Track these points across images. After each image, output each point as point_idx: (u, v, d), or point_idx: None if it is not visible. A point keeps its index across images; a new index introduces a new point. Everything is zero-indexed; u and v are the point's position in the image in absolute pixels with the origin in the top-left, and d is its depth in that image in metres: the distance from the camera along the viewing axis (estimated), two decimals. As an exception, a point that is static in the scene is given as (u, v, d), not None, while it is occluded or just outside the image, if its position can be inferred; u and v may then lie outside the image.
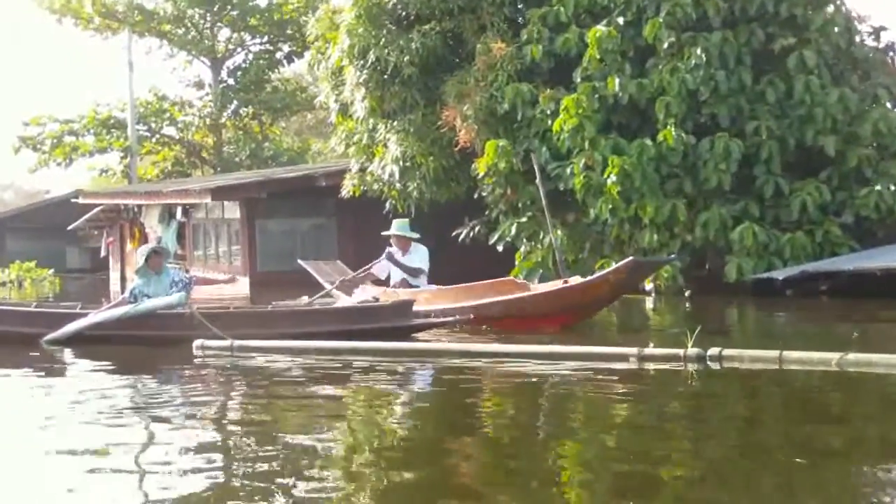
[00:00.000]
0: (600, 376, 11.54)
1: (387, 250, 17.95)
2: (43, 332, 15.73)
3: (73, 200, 41.61)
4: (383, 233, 18.52)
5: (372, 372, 12.73)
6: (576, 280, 16.99)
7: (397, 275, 17.87)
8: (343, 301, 17.43)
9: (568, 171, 22.40)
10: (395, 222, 18.14)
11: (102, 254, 42.18)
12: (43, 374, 13.74)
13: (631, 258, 16.63)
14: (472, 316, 15.67)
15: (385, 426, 9.48)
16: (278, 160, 50.17)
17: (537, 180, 19.81)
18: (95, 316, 15.64)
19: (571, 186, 22.34)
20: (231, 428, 9.58)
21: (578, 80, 22.84)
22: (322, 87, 28.68)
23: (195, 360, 13.86)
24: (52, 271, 38.14)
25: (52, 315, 16.39)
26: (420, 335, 15.42)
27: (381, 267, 18.05)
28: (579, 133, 22.14)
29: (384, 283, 18.22)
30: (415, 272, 17.74)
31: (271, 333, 14.65)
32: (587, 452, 8.17)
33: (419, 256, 17.90)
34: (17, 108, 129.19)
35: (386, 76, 24.78)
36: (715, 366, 11.47)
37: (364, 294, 17.43)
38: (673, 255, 20.53)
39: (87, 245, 47.82)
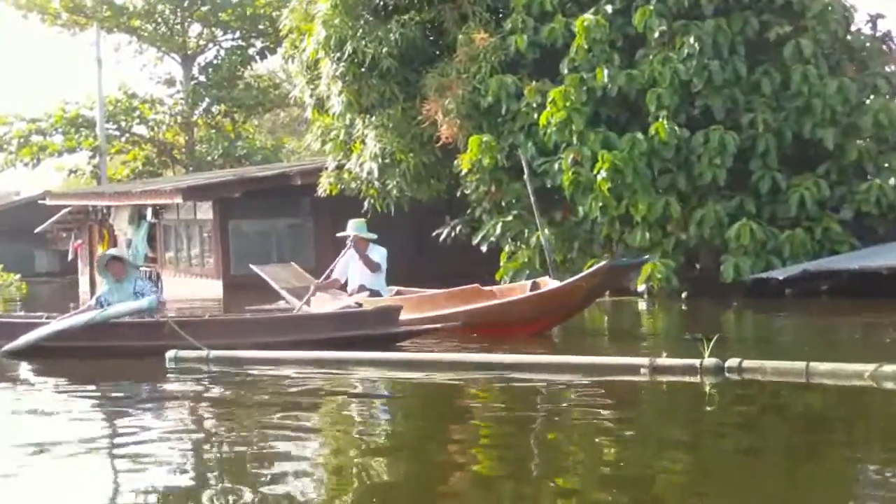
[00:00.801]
0: (602, 390, 10.61)
1: (348, 244, 16.85)
2: (1, 343, 14.65)
3: (40, 202, 40.48)
4: (339, 234, 17.58)
5: (355, 384, 11.92)
6: (546, 284, 16.15)
7: (355, 279, 16.82)
8: (324, 306, 16.31)
9: (555, 166, 21.50)
10: (352, 223, 17.06)
11: (70, 257, 41.07)
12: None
13: (606, 262, 15.86)
14: (460, 323, 14.61)
15: (365, 446, 8.74)
16: (252, 159, 48.96)
17: (525, 177, 18.89)
18: (57, 324, 14.55)
19: (559, 183, 21.49)
20: (206, 449, 8.92)
21: (565, 71, 21.95)
22: (297, 82, 27.55)
23: (168, 374, 12.94)
24: (18, 276, 36.95)
25: (11, 325, 15.29)
26: (403, 344, 14.39)
27: (341, 267, 16.97)
28: (567, 127, 21.24)
29: (341, 288, 17.12)
30: (373, 265, 16.66)
31: (249, 343, 13.64)
32: (591, 487, 7.20)
33: (378, 254, 16.89)
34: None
35: (363, 69, 23.75)
36: (734, 377, 10.48)
37: (333, 300, 16.44)
38: (647, 256, 19.60)
39: (55, 248, 46.71)
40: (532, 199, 18.47)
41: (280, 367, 12.71)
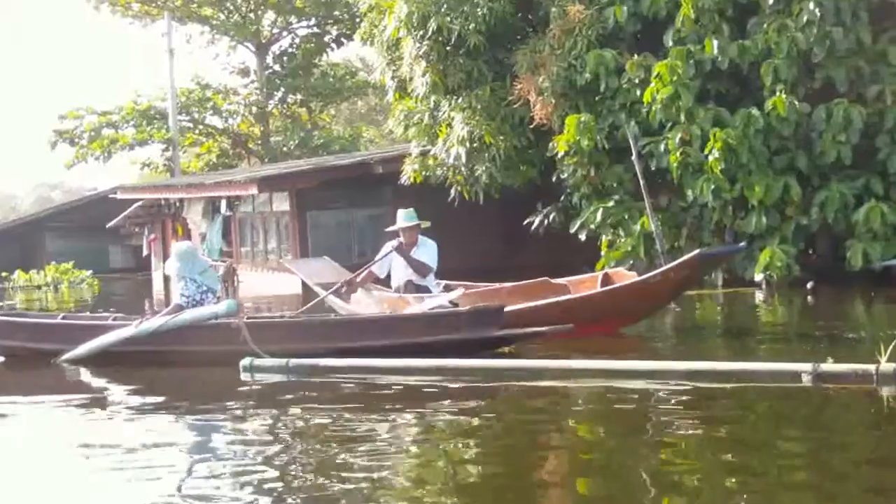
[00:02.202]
0: (751, 399, 9.03)
1: (394, 242, 14.82)
2: (63, 349, 13.24)
3: (111, 196, 39.33)
4: (388, 229, 15.69)
5: (451, 396, 10.41)
6: (622, 276, 14.55)
7: (400, 274, 14.86)
8: (368, 304, 14.53)
9: (661, 147, 19.89)
10: (401, 213, 14.95)
11: (145, 252, 39.94)
12: (52, 404, 11.31)
13: (697, 252, 14.11)
14: (572, 326, 12.74)
15: (460, 467, 7.69)
16: (329, 149, 47.47)
17: (632, 157, 17.23)
18: (124, 331, 13.04)
19: (665, 165, 19.80)
20: (284, 469, 7.80)
21: (670, 43, 20.36)
22: (376, 64, 25.94)
23: (243, 383, 11.55)
24: (90, 272, 35.85)
25: (76, 328, 13.80)
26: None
27: (381, 264, 15.03)
28: (674, 104, 19.63)
29: (383, 283, 15.37)
30: (424, 269, 14.73)
31: (331, 348, 12.04)
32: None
33: (427, 252, 14.83)
34: (53, 101, 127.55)
35: (449, 47, 22.41)
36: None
37: (372, 299, 14.81)
38: (743, 244, 17.81)
39: (129, 243, 45.61)
40: (641, 181, 16.81)
41: (365, 376, 11.19)
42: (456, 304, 13.36)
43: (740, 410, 8.95)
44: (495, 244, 28.45)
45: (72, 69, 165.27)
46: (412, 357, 11.35)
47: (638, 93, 20.27)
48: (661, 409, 9.20)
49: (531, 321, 12.61)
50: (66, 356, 13.16)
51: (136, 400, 11.32)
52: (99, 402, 11.39)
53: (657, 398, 9.49)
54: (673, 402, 9.39)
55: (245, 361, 11.79)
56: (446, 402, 10.05)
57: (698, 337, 14.50)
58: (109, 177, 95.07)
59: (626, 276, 14.57)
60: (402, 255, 14.64)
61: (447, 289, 15.20)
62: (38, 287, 34.43)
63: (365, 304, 14.88)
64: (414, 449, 8.27)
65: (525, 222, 23.69)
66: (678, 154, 19.44)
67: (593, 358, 11.15)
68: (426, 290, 14.77)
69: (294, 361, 11.60)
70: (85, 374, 12.71)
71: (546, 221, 23.26)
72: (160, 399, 11.20)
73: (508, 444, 8.38)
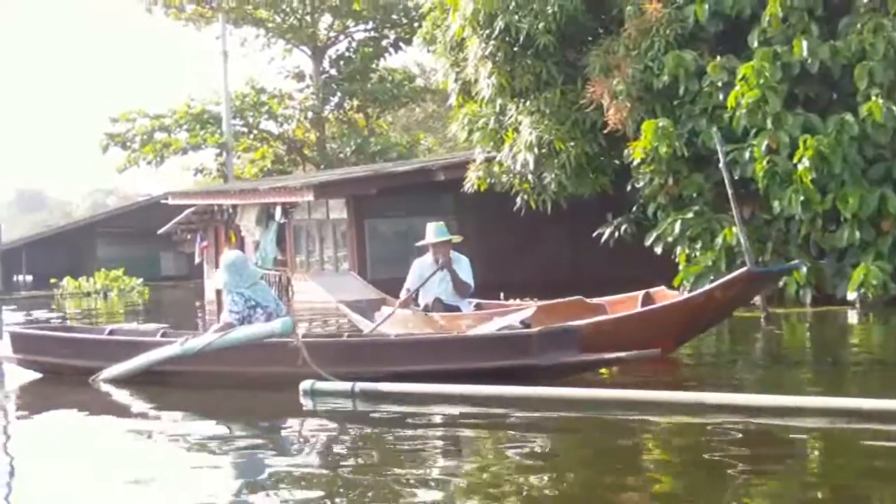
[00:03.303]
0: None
1: (438, 259, 13.85)
2: (104, 367, 12.14)
3: (163, 202, 38.46)
4: (418, 244, 14.67)
5: (532, 428, 9.16)
6: (664, 296, 13.37)
7: (429, 291, 13.97)
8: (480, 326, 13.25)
9: (745, 155, 18.54)
10: (431, 226, 14.09)
11: (197, 260, 39.05)
12: (87, 427, 10.25)
13: (746, 268, 12.54)
14: (659, 351, 11.48)
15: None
16: (386, 156, 46.44)
17: (719, 165, 15.86)
18: (168, 349, 11.88)
19: (750, 174, 18.49)
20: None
21: (755, 44, 19.09)
22: (438, 66, 24.76)
23: (303, 409, 10.38)
24: (140, 280, 34.97)
25: (118, 345, 12.70)
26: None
27: (414, 279, 14.04)
28: (760, 109, 18.36)
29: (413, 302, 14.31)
30: (466, 289, 13.89)
31: (394, 371, 10.76)
32: None
33: (463, 270, 13.93)
34: (107, 104, 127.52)
35: (517, 47, 21.20)
36: None
37: (396, 318, 13.76)
38: (797, 262, 16.81)
39: (181, 250, 44.83)
40: (729, 190, 15.44)
41: (435, 404, 9.99)
42: (528, 325, 11.96)
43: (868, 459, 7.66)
44: (561, 257, 27.34)
45: (125, 73, 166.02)
46: (477, 383, 10.08)
47: (721, 97, 19.00)
48: (769, 454, 7.93)
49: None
50: (103, 375, 12.06)
51: (181, 427, 10.12)
52: (139, 427, 10.20)
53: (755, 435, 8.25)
54: (783, 442, 8.13)
55: (306, 385, 10.57)
56: (529, 435, 8.84)
57: (794, 363, 13.14)
58: (163, 183, 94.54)
59: (668, 296, 13.40)
60: (450, 271, 13.76)
61: (479, 307, 14.25)
62: (88, 294, 33.53)
63: (388, 323, 13.81)
64: (488, 487, 7.08)
65: (594, 234, 22.38)
66: (764, 163, 18.16)
67: (682, 389, 9.93)
68: (456, 308, 13.82)
69: (361, 386, 10.37)
70: (123, 395, 11.56)
71: (617, 233, 21.97)
72: (209, 426, 10.06)
73: (589, 481, 7.28)
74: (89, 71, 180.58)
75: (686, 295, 13.01)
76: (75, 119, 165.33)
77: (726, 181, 15.70)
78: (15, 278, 50.59)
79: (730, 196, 15.73)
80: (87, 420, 10.61)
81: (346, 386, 10.41)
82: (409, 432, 9.13)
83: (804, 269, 17.79)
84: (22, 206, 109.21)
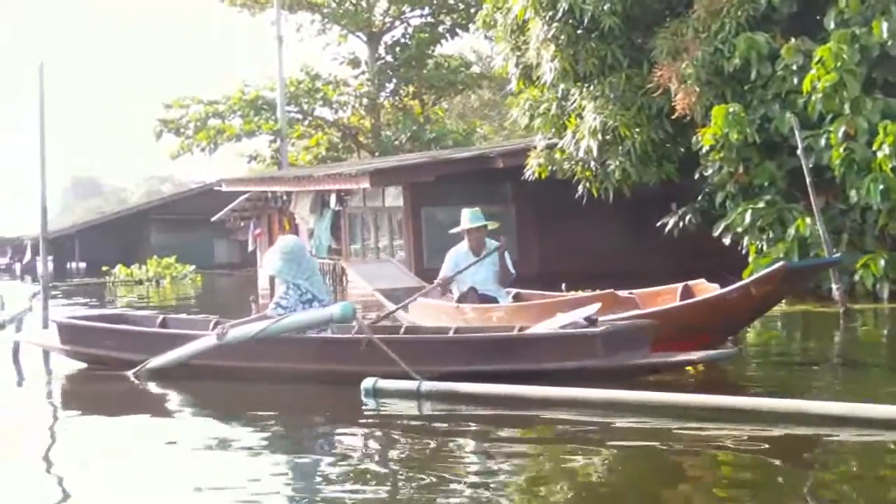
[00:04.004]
0: None
1: (495, 243, 13.49)
2: (148, 360, 11.55)
3: (216, 188, 37.98)
4: (452, 230, 14.20)
5: (614, 435, 8.31)
6: (703, 289, 12.57)
7: (464, 280, 13.48)
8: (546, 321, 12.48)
9: (821, 142, 17.67)
10: (467, 212, 13.70)
11: (250, 248, 38.57)
12: (134, 429, 9.56)
13: (782, 263, 11.95)
14: (740, 349, 10.75)
15: None
16: (442, 143, 45.75)
17: (798, 151, 15.20)
18: (206, 340, 11.23)
19: (825, 162, 17.62)
20: None
21: (832, 26, 18.22)
22: (498, 50, 24.03)
23: (363, 411, 9.64)
24: (193, 268, 34.48)
25: (164, 337, 12.11)
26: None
27: (449, 268, 13.52)
28: (837, 93, 17.43)
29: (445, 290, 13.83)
30: (508, 277, 13.49)
31: (464, 370, 10.05)
32: None
33: (509, 262, 13.44)
34: (162, 91, 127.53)
35: (581, 30, 20.58)
36: None
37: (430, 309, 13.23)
38: (837, 255, 15.94)
39: (234, 238, 44.39)
40: (808, 178, 14.78)
41: (507, 407, 9.26)
42: (594, 321, 10.91)
43: None
44: (622, 246, 26.51)
45: (180, 59, 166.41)
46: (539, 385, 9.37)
47: (794, 81, 18.17)
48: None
49: None
50: (138, 368, 11.49)
51: (228, 428, 9.47)
52: (184, 426, 9.60)
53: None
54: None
55: (367, 383, 9.86)
56: (612, 443, 8.10)
57: (880, 365, 12.35)
58: (218, 171, 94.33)
59: (707, 289, 12.59)
60: (500, 256, 13.30)
61: (518, 298, 13.64)
62: (140, 282, 33.04)
63: (421, 315, 13.31)
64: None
65: (657, 224, 21.59)
66: (841, 150, 17.30)
67: (753, 394, 9.24)
68: (491, 299, 13.25)
69: (428, 385, 9.66)
70: (168, 392, 10.94)
71: (681, 223, 21.16)
72: (257, 426, 9.37)
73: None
74: (145, 57, 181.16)
75: (718, 291, 12.23)
76: (131, 106, 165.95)
77: (804, 169, 15.10)
78: (68, 265, 50.37)
79: (808, 184, 15.10)
80: (135, 418, 9.98)
81: (411, 385, 9.72)
82: (476, 441, 8.47)
83: (881, 262, 16.92)
84: (77, 193, 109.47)
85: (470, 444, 8.30)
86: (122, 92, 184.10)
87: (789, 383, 10.70)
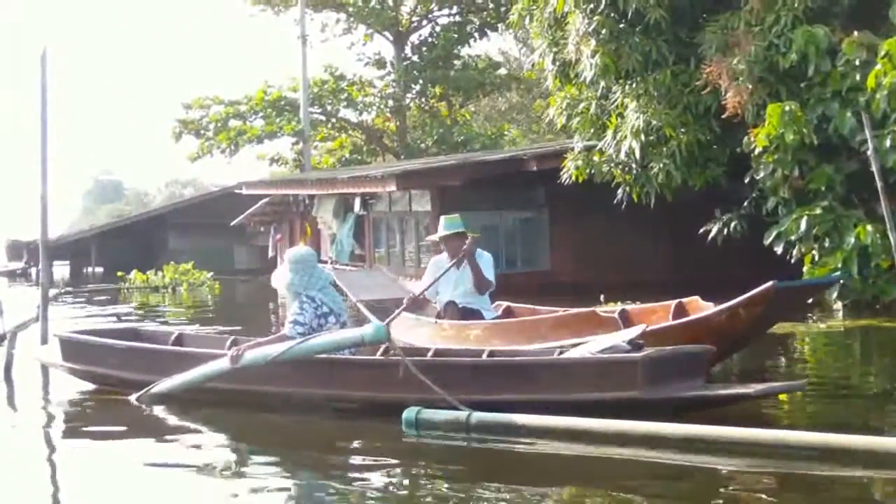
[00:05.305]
0: None
1: (486, 254, 12.53)
2: (154, 382, 10.37)
3: (236, 191, 36.98)
4: (429, 238, 13.97)
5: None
6: (698, 307, 11.78)
7: (445, 292, 12.52)
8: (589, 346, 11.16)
9: (886, 143, 16.32)
10: (444, 219, 12.76)
11: (270, 253, 37.64)
12: (139, 462, 8.39)
13: (771, 283, 10.60)
14: (804, 383, 9.54)
15: None
16: (470, 147, 44.61)
17: (868, 153, 13.89)
18: (219, 363, 9.97)
19: (890, 164, 16.30)
20: None
21: (896, 19, 16.83)
22: (536, 44, 22.84)
23: (405, 444, 8.53)
24: (211, 274, 33.37)
25: (172, 356, 10.85)
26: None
27: (428, 280, 12.34)
28: (904, 91, 16.08)
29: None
30: (485, 285, 12.28)
31: (511, 399, 8.79)
32: None
33: (484, 266, 12.34)
34: (182, 92, 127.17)
35: (623, 24, 19.68)
36: None
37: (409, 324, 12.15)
38: (837, 274, 15.13)
39: (255, 243, 43.37)
40: (878, 182, 13.51)
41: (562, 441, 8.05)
42: (640, 346, 9.47)
43: None
44: (661, 255, 25.35)
45: (200, 59, 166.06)
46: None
47: (857, 77, 16.92)
48: None
49: None
50: (142, 393, 10.32)
51: (248, 462, 8.34)
52: (199, 460, 8.37)
53: None
54: None
55: (409, 413, 8.66)
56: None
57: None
58: (238, 174, 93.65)
59: (700, 308, 11.65)
60: (469, 263, 12.07)
61: (508, 313, 12.67)
62: (156, 289, 31.90)
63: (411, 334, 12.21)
64: None
65: (700, 231, 20.26)
66: (907, 152, 16.05)
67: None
68: (478, 314, 12.17)
69: (479, 416, 8.44)
70: (172, 418, 9.77)
71: (726, 230, 19.86)
72: (285, 461, 8.25)
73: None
74: (169, 59, 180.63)
75: (704, 312, 11.15)
76: (155, 109, 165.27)
77: (875, 171, 13.88)
78: (84, 270, 49.42)
79: (878, 189, 13.90)
80: (138, 452, 8.78)
81: (459, 416, 8.49)
82: (535, 481, 7.28)
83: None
84: (99, 197, 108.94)
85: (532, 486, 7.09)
86: (147, 93, 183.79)
87: (866, 416, 9.39)
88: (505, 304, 13.01)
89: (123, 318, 22.50)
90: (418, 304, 12.64)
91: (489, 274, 12.27)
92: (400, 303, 12.57)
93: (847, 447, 7.14)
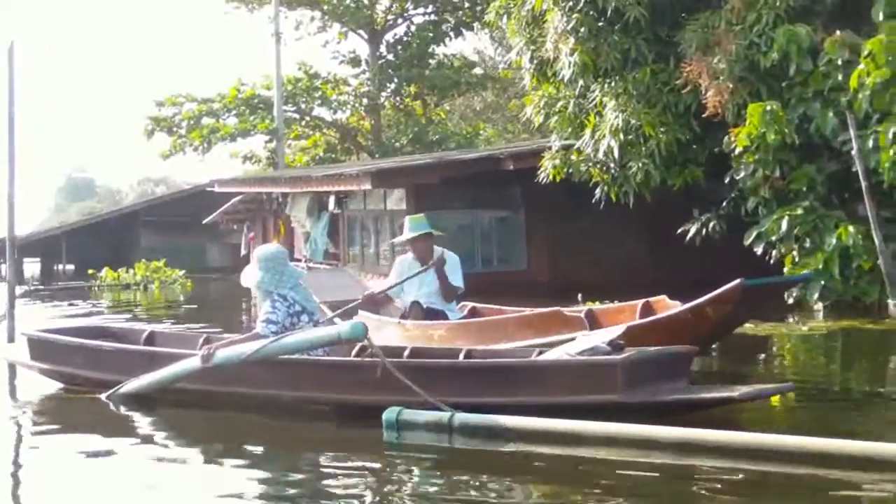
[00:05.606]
0: None
1: (452, 254, 12.33)
2: (122, 382, 10.10)
3: (208, 189, 36.70)
4: (395, 240, 13.99)
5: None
6: (665, 306, 11.76)
7: (410, 293, 12.40)
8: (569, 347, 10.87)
9: (869, 143, 16.12)
10: (409, 220, 12.70)
11: (243, 252, 37.40)
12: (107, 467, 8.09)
13: (738, 281, 10.60)
14: (792, 385, 9.36)
15: None
16: (445, 145, 44.38)
17: (853, 152, 13.70)
18: (190, 362, 9.68)
19: (873, 165, 16.09)
20: None
21: (880, 18, 16.72)
22: (514, 43, 22.57)
23: (385, 448, 8.21)
24: (182, 272, 33.13)
25: (142, 355, 10.57)
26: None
27: (392, 280, 12.42)
28: (888, 90, 15.92)
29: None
30: (453, 293, 12.25)
31: (490, 402, 8.49)
32: None
33: (452, 269, 12.21)
34: (155, 90, 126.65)
35: (602, 22, 19.33)
36: None
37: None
38: (806, 273, 15.19)
39: (228, 241, 43.12)
40: (863, 182, 13.37)
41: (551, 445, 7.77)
42: (621, 346, 9.12)
43: None
44: (639, 256, 25.16)
45: (172, 56, 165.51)
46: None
47: (839, 77, 16.73)
48: None
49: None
50: (111, 392, 10.06)
51: (222, 468, 8.03)
52: (170, 465, 8.08)
53: None
54: None
55: (390, 413, 8.37)
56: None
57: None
58: (211, 172, 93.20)
59: (667, 307, 11.68)
60: (437, 272, 12.00)
61: (473, 313, 12.51)
62: (127, 286, 31.63)
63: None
64: None
65: (678, 231, 20.05)
66: (891, 152, 15.80)
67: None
68: (441, 315, 12.07)
69: (461, 417, 8.17)
70: (142, 418, 9.50)
71: (704, 230, 19.66)
72: (259, 466, 7.98)
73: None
74: (142, 56, 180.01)
75: (671, 311, 11.10)
76: (128, 106, 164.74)
77: (860, 172, 13.78)
78: (55, 267, 49.08)
79: (863, 189, 13.75)
80: (108, 449, 8.55)
81: (441, 416, 8.22)
82: (520, 483, 7.07)
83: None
84: (71, 194, 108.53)
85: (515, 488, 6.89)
86: (120, 90, 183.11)
87: (847, 419, 9.17)
88: (471, 304, 12.83)
89: (93, 315, 22.22)
90: (378, 303, 12.54)
91: (456, 279, 12.15)
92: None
93: (825, 451, 6.95)
